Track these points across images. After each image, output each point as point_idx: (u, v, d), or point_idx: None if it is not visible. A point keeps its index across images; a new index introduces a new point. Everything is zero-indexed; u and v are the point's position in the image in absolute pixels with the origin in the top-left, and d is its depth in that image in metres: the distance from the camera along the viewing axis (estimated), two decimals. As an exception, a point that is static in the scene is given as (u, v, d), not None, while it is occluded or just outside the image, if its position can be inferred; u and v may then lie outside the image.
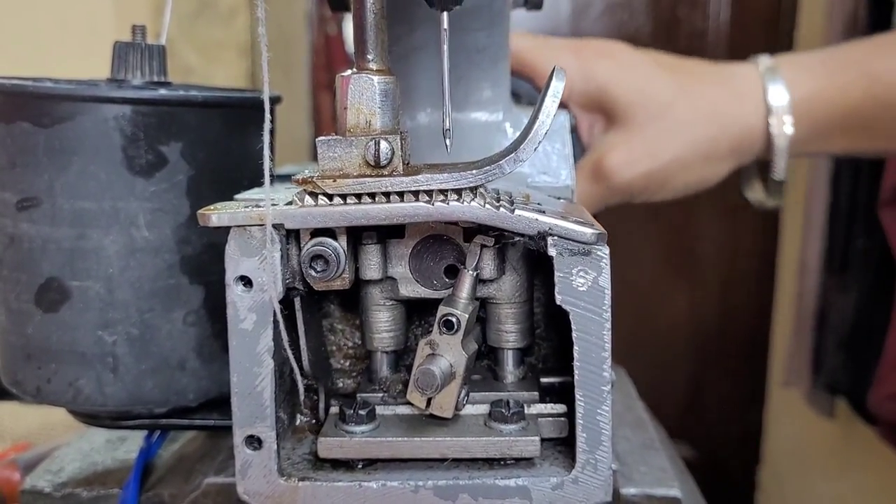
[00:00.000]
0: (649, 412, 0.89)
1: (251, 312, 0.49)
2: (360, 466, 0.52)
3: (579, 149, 0.96)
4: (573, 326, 0.48)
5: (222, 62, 2.04)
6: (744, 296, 2.59)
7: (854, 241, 1.84)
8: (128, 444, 0.84)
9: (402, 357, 0.59)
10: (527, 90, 0.86)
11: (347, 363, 0.61)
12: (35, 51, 1.68)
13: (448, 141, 0.51)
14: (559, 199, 0.61)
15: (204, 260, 0.69)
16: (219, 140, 0.69)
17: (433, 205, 0.47)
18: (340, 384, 0.61)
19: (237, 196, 0.54)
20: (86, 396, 0.69)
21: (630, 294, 2.54)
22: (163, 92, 0.67)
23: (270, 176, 0.49)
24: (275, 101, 0.74)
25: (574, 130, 0.93)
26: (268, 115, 0.48)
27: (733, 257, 2.57)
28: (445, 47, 0.49)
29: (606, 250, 0.47)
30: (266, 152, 0.47)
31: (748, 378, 2.61)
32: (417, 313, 0.60)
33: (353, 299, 0.59)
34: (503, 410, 0.52)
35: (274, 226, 0.48)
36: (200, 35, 2.01)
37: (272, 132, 0.76)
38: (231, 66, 2.05)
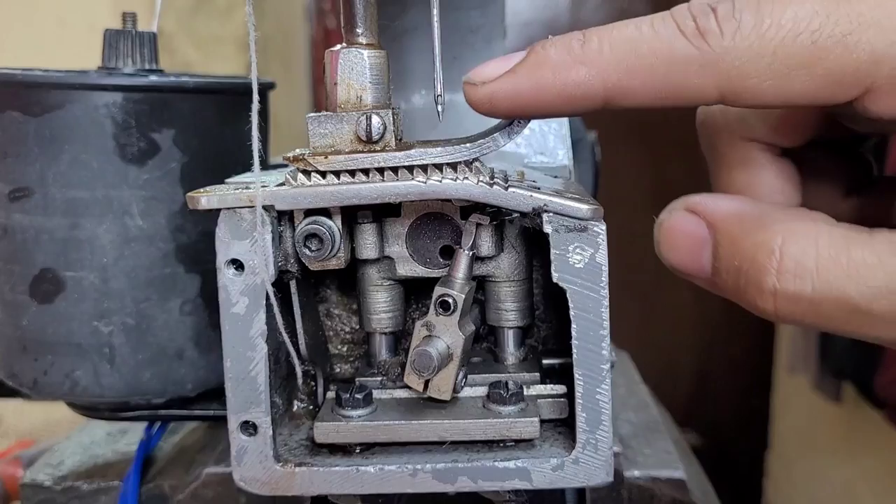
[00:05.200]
0: (653, 396, 0.88)
1: (243, 296, 0.48)
2: (357, 451, 0.51)
3: (593, 161, 0.94)
4: (570, 304, 0.47)
5: (221, 57, 2.04)
6: (749, 282, 2.58)
7: (859, 223, 1.83)
8: (128, 437, 0.83)
9: (400, 340, 0.58)
10: None
11: (345, 348, 0.60)
12: (34, 49, 1.68)
13: (440, 107, 0.50)
14: (556, 177, 0.60)
15: (199, 248, 0.69)
16: (212, 127, 0.69)
17: (426, 183, 0.46)
18: (338, 369, 0.60)
19: (228, 180, 0.53)
20: (83, 388, 0.68)
21: (636, 281, 2.53)
22: (153, 78, 0.66)
23: (261, 158, 0.48)
24: (267, 86, 0.74)
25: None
26: (256, 96, 0.47)
27: (738, 243, 2.55)
28: (436, 11, 0.48)
29: (603, 226, 0.47)
30: (255, 133, 0.46)
31: (755, 364, 2.60)
32: (416, 295, 0.59)
33: (350, 282, 0.58)
34: (501, 392, 0.51)
35: (264, 207, 0.47)
36: (199, 30, 2.00)
37: (265, 117, 0.75)
38: (230, 60, 2.04)
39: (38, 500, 0.75)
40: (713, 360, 2.65)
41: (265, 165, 0.70)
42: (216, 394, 0.72)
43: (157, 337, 0.68)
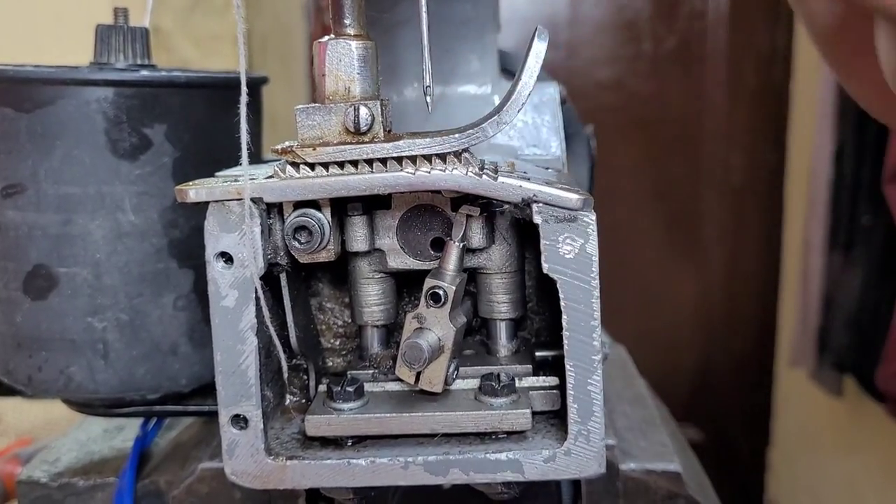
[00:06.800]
0: (650, 389, 0.88)
1: (233, 289, 0.48)
2: (349, 444, 0.51)
3: (588, 155, 0.93)
4: (561, 295, 0.47)
5: (219, 55, 2.03)
6: (749, 277, 2.57)
7: (858, 218, 1.83)
8: (125, 434, 0.83)
9: (392, 333, 0.58)
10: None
11: (337, 342, 0.60)
12: (31, 46, 1.68)
13: (429, 99, 0.50)
14: (547, 168, 0.60)
15: (192, 243, 0.68)
16: (204, 121, 0.68)
17: (415, 174, 0.46)
18: (330, 363, 0.60)
19: (218, 173, 0.53)
20: (77, 384, 0.68)
21: (636, 278, 2.53)
22: (145, 73, 0.66)
23: (253, 152, 0.48)
24: (259, 81, 0.73)
25: (590, 141, 0.91)
26: (244, 89, 0.47)
27: (738, 238, 2.55)
28: (424, 3, 0.48)
29: (593, 216, 0.46)
30: (244, 125, 0.46)
31: (756, 359, 2.59)
32: (407, 288, 0.59)
33: (342, 275, 0.58)
34: (493, 384, 0.51)
35: (253, 200, 0.47)
36: (196, 28, 2.00)
37: (258, 112, 0.75)
38: (228, 58, 2.04)
39: (35, 497, 0.75)
40: (714, 354, 2.65)
41: (258, 160, 0.70)
42: (211, 389, 0.71)
43: (150, 332, 0.68)
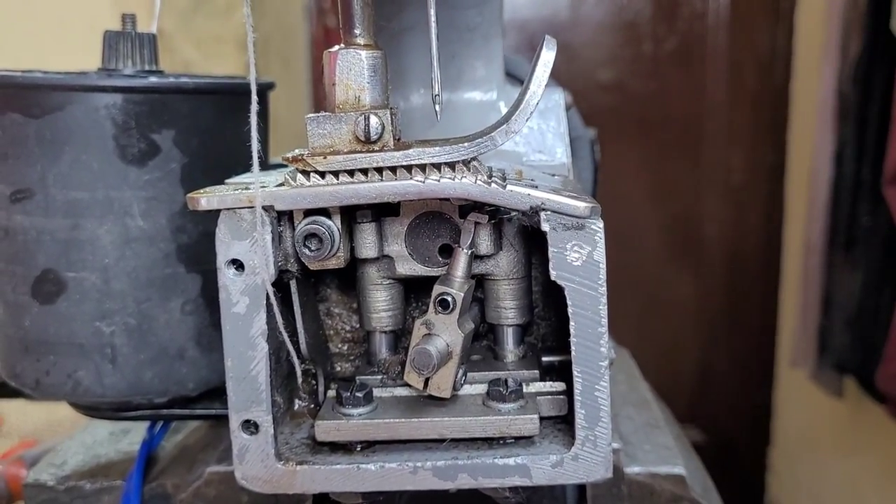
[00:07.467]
0: (654, 392, 0.89)
1: (244, 296, 0.48)
2: (358, 449, 0.52)
3: (592, 159, 0.94)
4: (569, 302, 0.47)
5: (221, 56, 2.04)
6: (750, 277, 2.58)
7: (859, 219, 1.83)
8: (131, 437, 0.84)
9: (401, 339, 0.59)
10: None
11: (346, 347, 0.61)
12: (34, 49, 1.68)
13: (438, 107, 0.50)
14: (554, 175, 0.61)
15: (200, 248, 0.69)
16: (212, 127, 0.69)
17: (424, 182, 0.47)
18: (339, 368, 0.60)
19: (228, 180, 0.53)
20: (85, 388, 0.69)
21: (637, 279, 2.53)
22: (153, 79, 0.66)
23: (261, 159, 0.49)
24: (267, 86, 0.74)
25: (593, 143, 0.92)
26: (255, 98, 0.47)
27: (738, 239, 2.55)
28: (432, 11, 0.48)
29: (600, 224, 0.47)
30: (254, 134, 0.47)
31: (756, 360, 2.60)
32: (415, 294, 0.59)
33: (350, 281, 0.59)
34: (501, 389, 0.52)
35: (264, 208, 0.47)
36: (198, 29, 2.00)
37: (265, 118, 0.76)
38: (229, 60, 2.04)
39: (42, 500, 0.76)
40: (715, 356, 2.65)
41: (265, 166, 0.70)
42: (218, 393, 0.72)
43: (158, 337, 0.68)
